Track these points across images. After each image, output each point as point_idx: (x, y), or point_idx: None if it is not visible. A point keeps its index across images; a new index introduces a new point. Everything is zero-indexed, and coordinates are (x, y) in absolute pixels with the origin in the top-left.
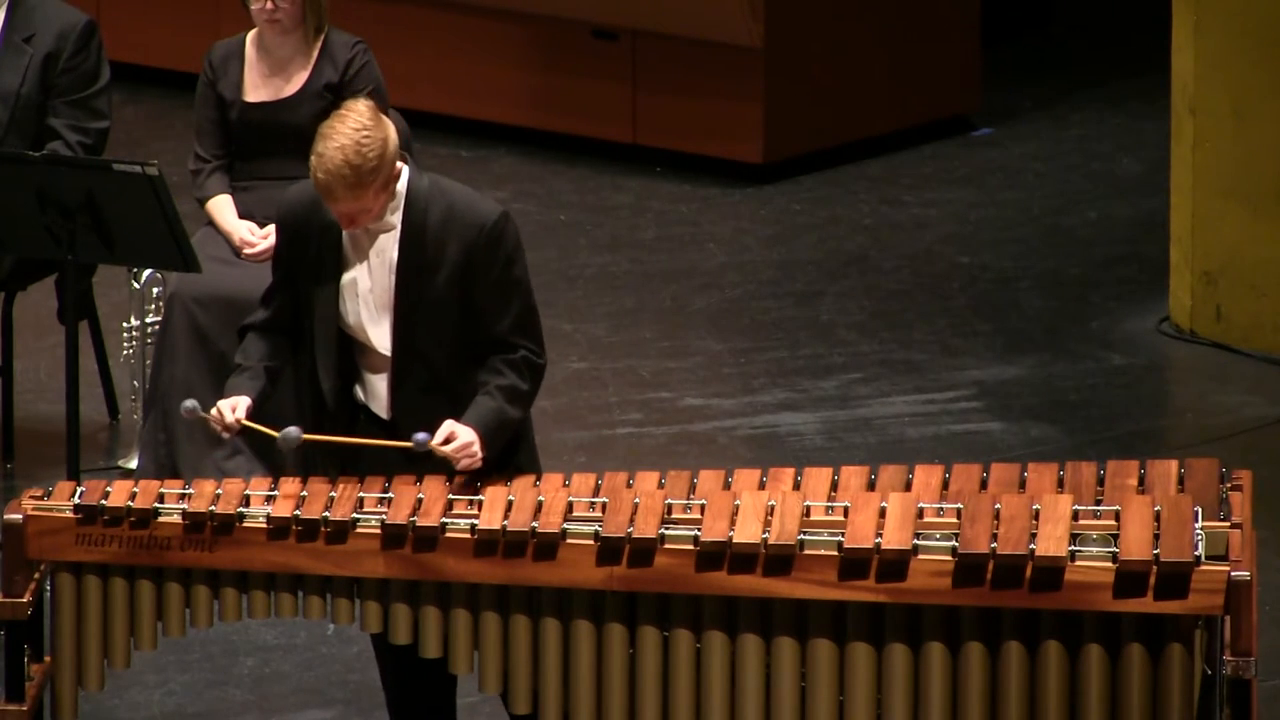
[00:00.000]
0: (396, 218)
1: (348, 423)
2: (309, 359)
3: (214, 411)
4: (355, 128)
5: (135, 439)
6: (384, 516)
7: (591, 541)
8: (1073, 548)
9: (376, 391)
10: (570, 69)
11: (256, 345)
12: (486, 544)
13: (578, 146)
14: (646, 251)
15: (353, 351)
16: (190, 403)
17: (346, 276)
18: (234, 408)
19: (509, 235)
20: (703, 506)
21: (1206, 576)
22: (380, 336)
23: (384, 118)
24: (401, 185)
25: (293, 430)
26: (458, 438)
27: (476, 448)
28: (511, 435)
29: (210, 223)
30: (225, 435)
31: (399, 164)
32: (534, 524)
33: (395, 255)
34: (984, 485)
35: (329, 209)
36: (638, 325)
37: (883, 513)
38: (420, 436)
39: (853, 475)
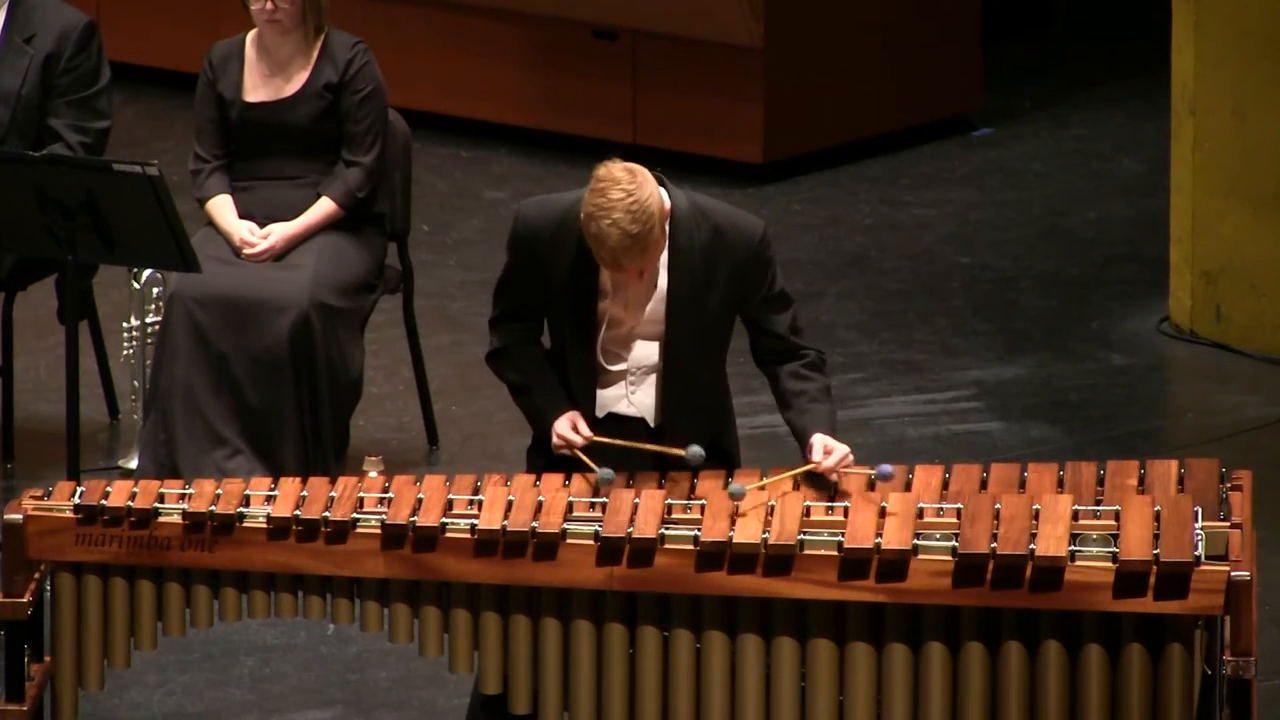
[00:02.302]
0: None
1: (598, 422)
2: (563, 366)
3: (555, 439)
4: (622, 197)
5: (135, 439)
6: (384, 516)
7: (591, 541)
8: (1073, 548)
9: (600, 396)
10: (570, 69)
11: (530, 362)
12: (486, 544)
13: (578, 146)
14: None
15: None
16: (607, 472)
17: (601, 305)
18: (574, 425)
19: (772, 244)
20: (703, 506)
21: (1206, 576)
22: (625, 349)
23: (640, 171)
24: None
25: (609, 472)
26: (835, 450)
27: (851, 456)
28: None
29: (210, 223)
30: (571, 454)
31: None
32: (534, 524)
33: (663, 282)
34: (984, 485)
35: (580, 231)
36: None
37: (883, 513)
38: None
39: (852, 475)
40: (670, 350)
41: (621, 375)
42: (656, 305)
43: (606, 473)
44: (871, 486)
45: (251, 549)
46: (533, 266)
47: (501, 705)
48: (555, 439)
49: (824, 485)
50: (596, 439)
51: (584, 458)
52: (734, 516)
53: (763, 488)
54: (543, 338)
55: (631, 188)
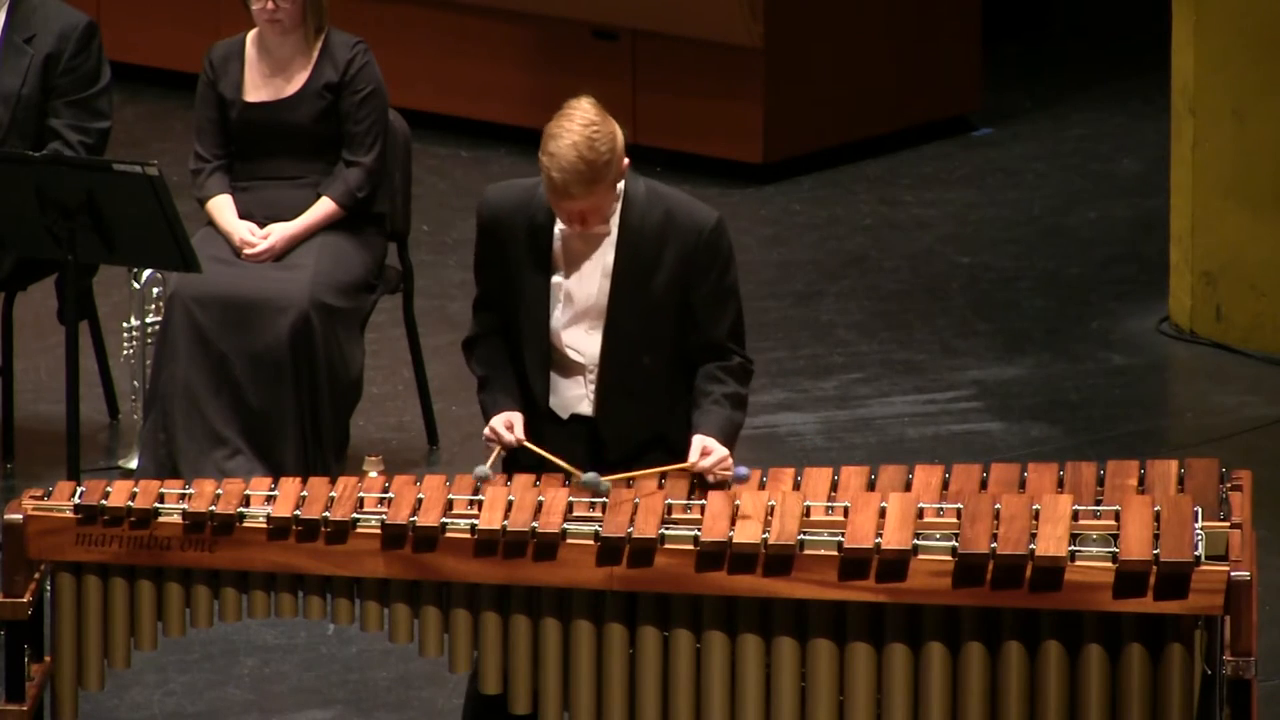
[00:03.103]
0: (613, 221)
1: (556, 424)
2: (517, 362)
3: (487, 431)
4: (584, 124)
5: (135, 439)
6: (384, 516)
7: (591, 541)
8: (1073, 548)
9: (560, 391)
10: (570, 69)
11: (494, 354)
12: (486, 544)
13: None
14: None
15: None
16: (483, 470)
17: (554, 280)
18: (509, 425)
19: (726, 239)
20: (703, 506)
21: (1206, 576)
22: (576, 339)
23: (606, 115)
24: (618, 190)
25: (593, 475)
26: (713, 452)
27: (730, 459)
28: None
29: (210, 223)
30: (499, 451)
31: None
32: (534, 524)
33: (611, 260)
34: (984, 485)
35: (539, 212)
36: None
37: (883, 513)
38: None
39: (853, 475)
40: (611, 330)
41: (579, 372)
42: (604, 280)
43: (481, 470)
44: (728, 488)
45: (251, 549)
46: (496, 250)
47: (497, 704)
48: (487, 432)
49: (687, 484)
50: (525, 444)
51: (533, 447)
52: (733, 517)
53: (630, 482)
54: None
55: (596, 118)
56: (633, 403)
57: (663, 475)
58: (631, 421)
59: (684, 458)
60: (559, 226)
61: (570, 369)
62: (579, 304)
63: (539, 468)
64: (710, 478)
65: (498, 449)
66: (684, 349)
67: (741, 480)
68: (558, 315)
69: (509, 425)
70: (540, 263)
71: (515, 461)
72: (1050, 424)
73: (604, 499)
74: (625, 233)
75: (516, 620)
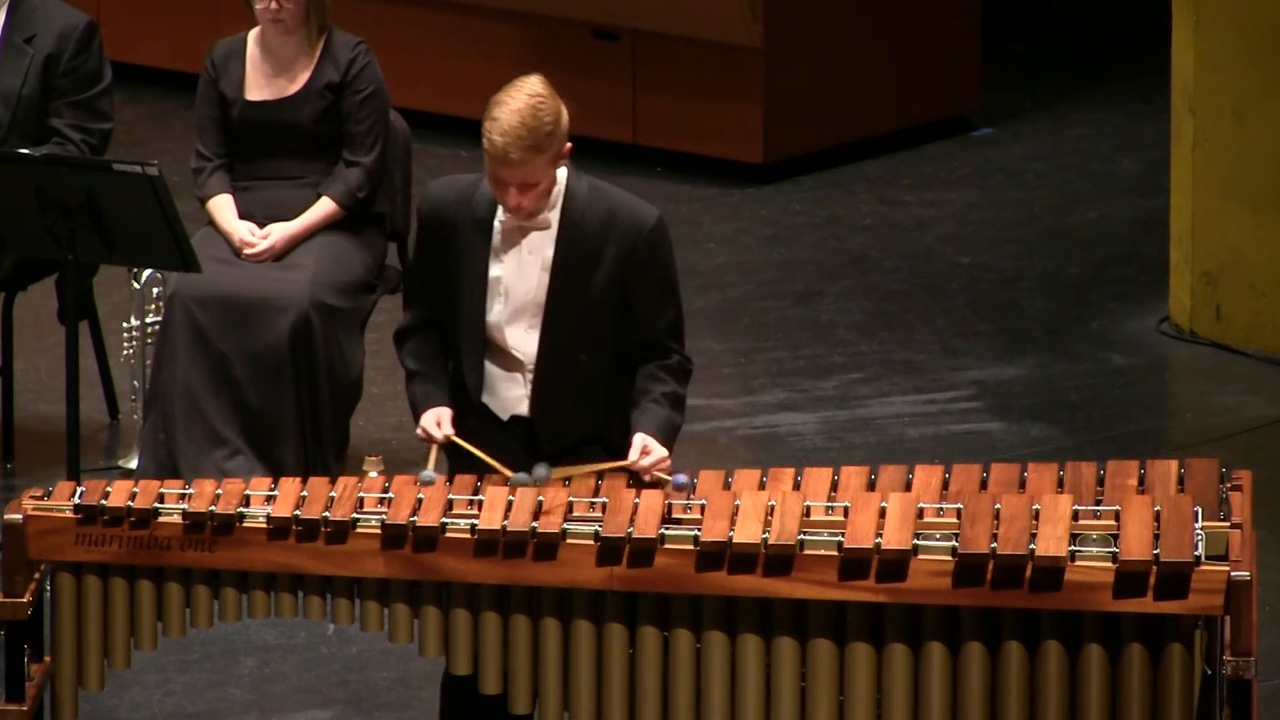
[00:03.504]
0: (554, 215)
1: (491, 421)
2: (453, 356)
3: (419, 431)
4: (530, 94)
5: (135, 439)
6: (384, 516)
7: (591, 541)
8: (1073, 548)
9: (499, 392)
10: (570, 69)
11: (426, 348)
12: (486, 544)
13: (577, 147)
14: None
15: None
16: (428, 474)
17: (493, 273)
18: (439, 421)
19: (667, 238)
20: (703, 506)
21: (1206, 576)
22: (517, 337)
23: (556, 94)
24: (560, 184)
25: (523, 475)
26: (653, 451)
27: (669, 460)
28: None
29: (210, 222)
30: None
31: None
32: (534, 524)
33: (550, 253)
34: (984, 485)
35: (480, 206)
36: None
37: (883, 513)
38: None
39: (853, 475)
40: (549, 325)
41: (520, 369)
42: (544, 274)
43: (428, 474)
44: (663, 488)
45: (251, 549)
46: (437, 244)
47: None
48: (419, 430)
49: (624, 483)
50: (455, 439)
51: (432, 456)
52: (733, 518)
53: (567, 481)
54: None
55: (543, 91)
56: (569, 401)
57: (600, 474)
58: (567, 419)
59: (622, 456)
60: (499, 220)
61: (510, 366)
62: (517, 298)
63: (477, 468)
64: (647, 477)
65: (435, 447)
66: (623, 348)
67: (680, 489)
68: (498, 310)
69: (438, 422)
70: (479, 255)
71: (454, 459)
72: (1050, 424)
73: (542, 485)
74: (566, 227)
75: (516, 620)
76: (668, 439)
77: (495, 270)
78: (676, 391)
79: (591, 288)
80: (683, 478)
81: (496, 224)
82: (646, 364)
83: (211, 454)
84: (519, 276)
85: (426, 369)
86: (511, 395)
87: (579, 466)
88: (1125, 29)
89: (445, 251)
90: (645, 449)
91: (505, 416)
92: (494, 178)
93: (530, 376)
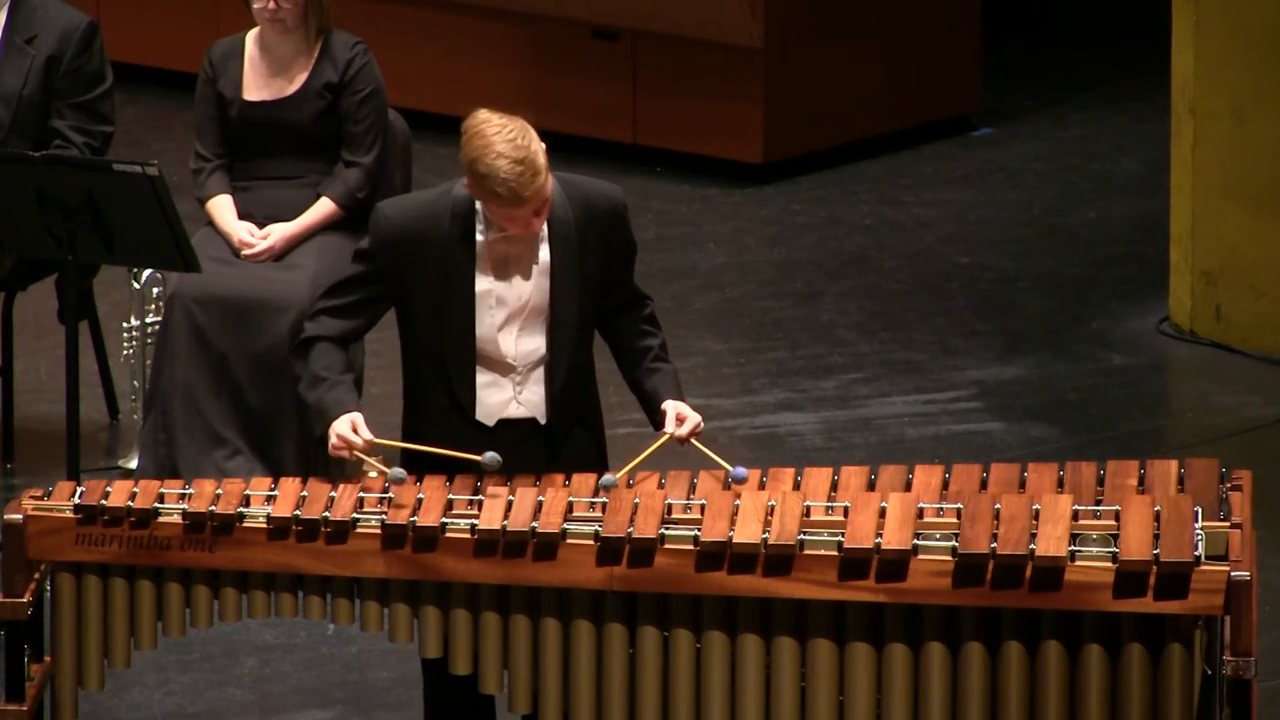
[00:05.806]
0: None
1: (489, 432)
2: (432, 373)
3: (334, 439)
4: (496, 131)
5: (135, 439)
6: (384, 516)
7: (591, 541)
8: (1073, 548)
9: (483, 399)
10: (570, 69)
11: (333, 357)
12: (486, 544)
13: (578, 146)
14: (647, 251)
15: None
16: (398, 472)
17: (481, 287)
18: (354, 427)
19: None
20: (703, 506)
21: (1206, 576)
22: (507, 343)
23: (505, 115)
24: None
25: (492, 455)
26: (687, 418)
27: (701, 425)
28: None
29: (210, 222)
30: (349, 457)
31: None
32: (534, 524)
33: (546, 257)
34: (984, 485)
35: (449, 224)
36: None
37: (883, 513)
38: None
39: (853, 475)
40: (556, 327)
41: (508, 372)
42: (541, 279)
43: (398, 472)
44: (727, 486)
45: (251, 549)
46: (391, 267)
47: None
48: (334, 439)
49: (687, 481)
50: (378, 441)
51: (369, 459)
52: (733, 518)
53: (631, 479)
54: (350, 347)
55: (501, 121)
56: (571, 393)
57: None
58: (573, 415)
59: (600, 434)
60: (480, 235)
61: (496, 371)
62: (510, 307)
63: (434, 466)
64: (685, 445)
65: (348, 454)
66: (600, 317)
67: (740, 481)
68: (487, 322)
69: (354, 427)
70: (464, 273)
71: (414, 461)
72: (1050, 424)
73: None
74: (554, 227)
75: (516, 620)
76: (681, 395)
77: (483, 284)
78: (664, 340)
79: (586, 277)
80: (742, 470)
81: (478, 238)
82: (624, 316)
83: (211, 454)
84: (513, 286)
85: (335, 377)
86: (496, 400)
87: (630, 464)
88: (1125, 29)
89: (422, 272)
90: (680, 416)
91: (492, 423)
92: (509, 216)
93: (519, 378)
